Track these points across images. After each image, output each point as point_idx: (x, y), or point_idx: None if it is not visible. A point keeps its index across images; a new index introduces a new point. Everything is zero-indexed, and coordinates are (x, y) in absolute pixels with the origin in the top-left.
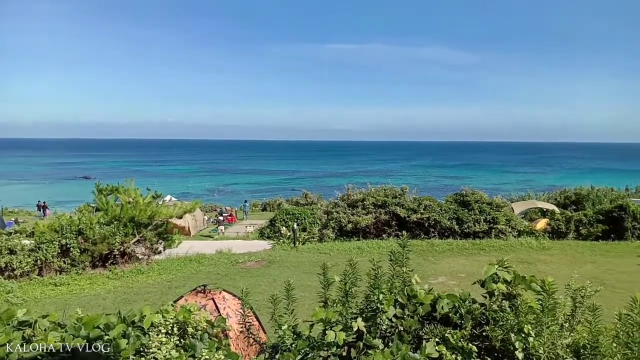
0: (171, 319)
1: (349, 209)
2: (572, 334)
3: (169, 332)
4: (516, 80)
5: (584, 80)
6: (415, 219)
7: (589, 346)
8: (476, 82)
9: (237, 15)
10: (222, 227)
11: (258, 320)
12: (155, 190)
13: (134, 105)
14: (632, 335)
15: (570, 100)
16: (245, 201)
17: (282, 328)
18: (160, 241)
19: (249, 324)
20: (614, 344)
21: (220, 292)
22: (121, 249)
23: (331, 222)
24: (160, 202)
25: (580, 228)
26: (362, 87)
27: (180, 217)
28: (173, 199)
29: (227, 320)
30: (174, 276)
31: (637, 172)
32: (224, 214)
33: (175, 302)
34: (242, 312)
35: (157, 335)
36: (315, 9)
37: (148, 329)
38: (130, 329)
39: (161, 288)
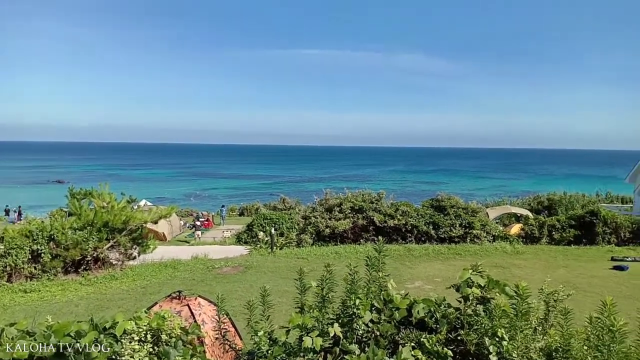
0: (144, 326)
1: (327, 214)
2: (545, 338)
3: (142, 339)
4: (493, 88)
5: (560, 89)
6: (392, 224)
7: (561, 349)
8: (454, 90)
9: (217, 18)
10: (198, 232)
11: (234, 326)
12: (130, 194)
13: (111, 108)
14: (602, 338)
15: (546, 109)
16: (223, 206)
17: (258, 334)
18: (134, 246)
19: (224, 330)
20: (585, 347)
21: (195, 298)
22: (94, 255)
23: (309, 227)
24: (135, 207)
25: (553, 233)
26: (337, 93)
27: (156, 222)
28: (148, 203)
29: (202, 326)
30: (148, 282)
31: (608, 178)
32: (200, 219)
33: (149, 308)
34: (218, 319)
35: (130, 342)
36: (291, 15)
37: (121, 336)
38: (102, 336)
39: (135, 294)
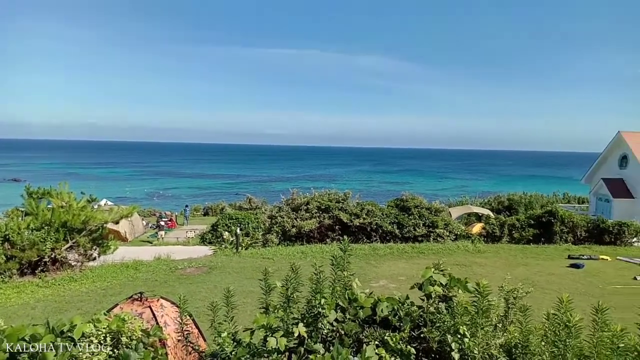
0: (104, 328)
1: (293, 213)
2: (505, 334)
3: (101, 342)
4: (456, 92)
5: (519, 93)
6: (358, 224)
7: (520, 345)
8: (419, 92)
9: (169, 14)
10: (162, 233)
11: (197, 327)
12: (90, 194)
13: (71, 105)
14: (558, 333)
15: (506, 112)
16: (186, 206)
17: (222, 335)
18: (94, 247)
19: (187, 332)
20: (543, 343)
21: (158, 300)
22: (52, 256)
23: (275, 226)
24: (96, 207)
25: (513, 232)
26: (304, 93)
27: (117, 222)
28: (109, 203)
29: (165, 328)
30: (109, 284)
31: (565, 179)
32: (163, 219)
33: (109, 310)
34: (180, 320)
35: (89, 346)
36: (250, 12)
37: (79, 339)
38: (59, 340)
39: (95, 296)
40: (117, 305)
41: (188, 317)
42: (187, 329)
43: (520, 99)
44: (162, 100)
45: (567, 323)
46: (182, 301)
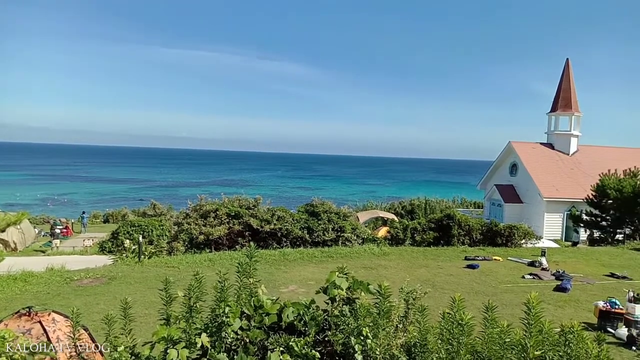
0: None
1: (201, 220)
2: (405, 334)
3: None
4: (364, 100)
5: (424, 104)
6: (268, 229)
7: (419, 344)
8: (327, 99)
9: (62, 6)
10: (56, 241)
11: (94, 342)
12: None
13: None
14: (452, 332)
15: (412, 121)
16: (83, 212)
17: (118, 350)
18: None
19: (82, 347)
20: (439, 341)
21: (49, 314)
22: None
23: (181, 234)
24: None
25: (415, 235)
26: (205, 95)
27: (3, 231)
28: None
29: (57, 344)
30: None
31: (463, 184)
32: (58, 227)
33: None
34: (73, 335)
35: None
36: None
37: None
38: None
39: None
40: (1, 321)
41: (83, 331)
42: (83, 344)
43: (423, 109)
44: (64, 99)
45: (460, 321)
46: (76, 314)
